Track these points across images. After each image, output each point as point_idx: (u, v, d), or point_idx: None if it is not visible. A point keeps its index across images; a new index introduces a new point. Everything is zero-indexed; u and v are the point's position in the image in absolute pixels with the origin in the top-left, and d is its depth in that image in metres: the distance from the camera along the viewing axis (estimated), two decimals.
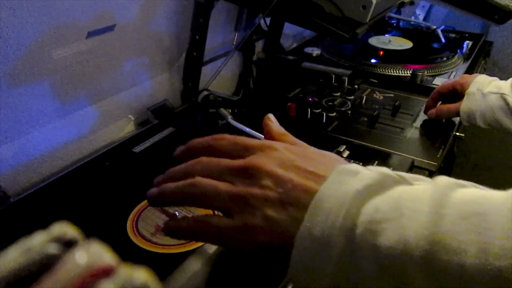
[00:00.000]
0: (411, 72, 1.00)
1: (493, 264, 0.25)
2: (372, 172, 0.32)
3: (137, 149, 0.71)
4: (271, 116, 0.43)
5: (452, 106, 0.76)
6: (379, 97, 0.94)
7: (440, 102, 0.81)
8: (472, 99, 0.72)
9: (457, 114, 0.75)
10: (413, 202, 0.29)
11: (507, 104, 0.68)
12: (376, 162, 0.67)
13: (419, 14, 1.62)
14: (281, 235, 0.31)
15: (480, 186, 0.32)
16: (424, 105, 0.89)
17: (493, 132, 0.73)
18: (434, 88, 0.95)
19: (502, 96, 0.69)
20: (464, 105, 0.73)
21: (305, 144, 0.39)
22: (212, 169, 0.36)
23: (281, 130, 0.41)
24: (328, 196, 0.31)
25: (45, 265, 0.20)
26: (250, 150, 0.36)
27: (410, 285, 0.27)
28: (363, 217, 0.29)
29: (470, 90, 0.73)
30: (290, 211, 0.31)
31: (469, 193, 0.30)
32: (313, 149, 0.38)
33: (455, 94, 0.76)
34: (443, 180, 0.32)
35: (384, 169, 0.33)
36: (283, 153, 0.35)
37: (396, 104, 0.85)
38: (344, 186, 0.31)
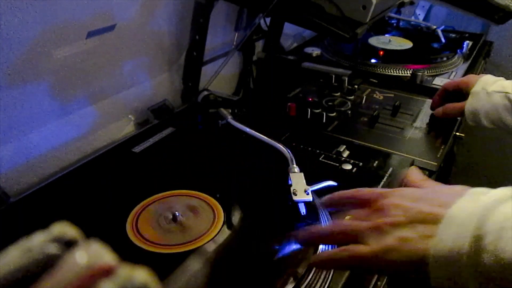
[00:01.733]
0: (411, 72, 1.00)
1: None
2: (502, 189, 0.36)
3: (137, 149, 0.71)
4: (415, 168, 0.49)
5: (457, 105, 0.76)
6: (379, 97, 0.94)
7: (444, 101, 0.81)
8: (477, 98, 0.72)
9: (462, 113, 0.75)
10: None
11: (511, 103, 0.68)
12: (376, 162, 0.67)
13: (419, 14, 1.62)
14: (412, 251, 0.35)
15: None
16: (425, 105, 0.89)
17: (493, 132, 0.73)
18: (434, 88, 0.95)
19: (507, 95, 0.69)
20: (469, 104, 0.73)
21: (438, 183, 0.44)
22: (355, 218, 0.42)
23: (420, 176, 0.47)
24: (460, 211, 0.35)
25: (45, 265, 0.20)
26: (385, 196, 0.42)
27: None
28: (492, 225, 0.32)
29: (475, 89, 0.73)
30: (419, 229, 0.36)
31: None
32: (443, 186, 0.42)
33: (461, 93, 0.76)
34: None
35: None
36: (412, 191, 0.41)
37: (396, 104, 0.85)
38: (475, 203, 0.35)
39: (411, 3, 1.26)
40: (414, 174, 0.47)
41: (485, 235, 0.32)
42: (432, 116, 0.82)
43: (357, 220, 0.41)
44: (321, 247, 0.48)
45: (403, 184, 0.46)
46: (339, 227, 0.42)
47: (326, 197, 0.48)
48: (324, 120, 0.82)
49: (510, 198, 0.34)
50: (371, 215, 0.40)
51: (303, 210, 0.55)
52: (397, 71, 1.03)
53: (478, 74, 0.77)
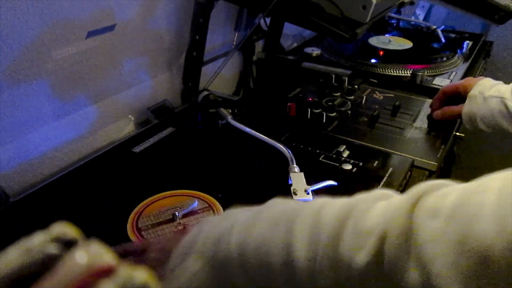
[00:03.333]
0: (411, 72, 1.00)
1: None
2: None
3: (137, 149, 0.71)
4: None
5: (455, 108, 0.76)
6: (379, 97, 0.94)
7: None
8: (474, 102, 0.72)
9: (460, 116, 0.75)
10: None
11: (507, 108, 0.68)
12: (376, 162, 0.67)
13: (419, 14, 1.62)
14: None
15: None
16: (425, 105, 0.89)
17: (493, 132, 0.73)
18: (434, 88, 0.95)
19: (502, 101, 0.69)
20: (466, 108, 0.73)
21: None
22: None
23: None
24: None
25: (45, 265, 0.20)
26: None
27: None
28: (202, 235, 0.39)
29: (472, 93, 0.73)
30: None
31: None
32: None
33: (459, 95, 0.76)
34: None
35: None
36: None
37: (396, 104, 0.85)
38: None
39: (411, 3, 1.26)
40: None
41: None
42: (429, 118, 0.82)
43: None
44: None
45: None
46: None
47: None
48: (324, 120, 0.82)
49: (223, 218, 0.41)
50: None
51: None
52: (397, 71, 1.02)
53: (478, 74, 0.77)
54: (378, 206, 0.33)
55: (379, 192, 0.35)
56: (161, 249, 0.41)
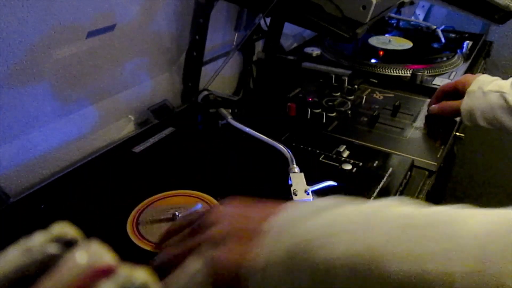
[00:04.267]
0: (411, 72, 1.00)
1: None
2: (318, 200, 0.38)
3: (137, 149, 0.71)
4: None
5: (453, 103, 0.76)
6: (379, 97, 0.94)
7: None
8: (473, 98, 0.72)
9: (458, 111, 0.75)
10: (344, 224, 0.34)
11: (507, 102, 0.68)
12: (376, 162, 0.67)
13: (419, 14, 1.62)
14: (227, 267, 0.36)
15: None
16: (425, 105, 0.89)
17: (493, 132, 0.73)
18: (434, 88, 0.95)
19: (502, 95, 0.69)
20: (465, 103, 0.73)
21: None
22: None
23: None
24: (274, 224, 0.36)
25: (45, 265, 0.20)
26: (206, 213, 0.42)
27: None
28: (297, 240, 0.33)
29: (471, 88, 0.73)
30: (235, 246, 0.36)
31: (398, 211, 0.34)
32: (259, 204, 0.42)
33: (458, 93, 0.76)
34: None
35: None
36: (230, 209, 0.42)
37: (396, 104, 0.85)
38: (292, 213, 0.36)
39: (411, 3, 1.26)
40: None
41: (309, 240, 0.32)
42: (427, 117, 0.82)
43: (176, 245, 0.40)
44: None
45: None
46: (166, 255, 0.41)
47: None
48: (324, 120, 0.82)
49: (324, 208, 0.35)
50: (190, 237, 0.40)
51: None
52: (397, 71, 1.02)
53: (477, 74, 0.77)
54: None
55: None
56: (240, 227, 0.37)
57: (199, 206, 0.56)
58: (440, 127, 0.80)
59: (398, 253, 0.29)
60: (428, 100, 0.91)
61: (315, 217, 0.34)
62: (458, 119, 0.81)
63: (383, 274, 0.29)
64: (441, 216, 0.32)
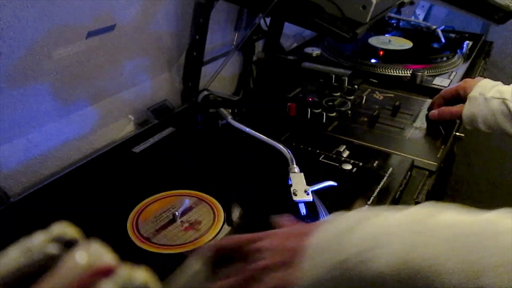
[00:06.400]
0: (411, 72, 1.00)
1: None
2: (357, 211, 0.38)
3: (137, 149, 0.71)
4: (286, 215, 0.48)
5: (454, 109, 0.76)
6: (379, 97, 0.94)
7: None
8: (474, 104, 0.72)
9: (459, 117, 0.74)
10: (389, 235, 0.34)
11: (509, 109, 0.68)
12: (376, 162, 0.67)
13: (419, 14, 1.62)
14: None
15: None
16: (425, 105, 0.89)
17: (493, 133, 0.73)
18: (434, 88, 0.95)
19: (504, 102, 0.69)
20: (466, 109, 0.73)
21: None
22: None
23: (290, 221, 0.47)
24: (315, 245, 0.36)
25: (45, 265, 0.20)
26: (256, 239, 0.42)
27: None
28: (347, 255, 0.33)
29: (473, 94, 0.73)
30: (289, 270, 0.36)
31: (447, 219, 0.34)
32: (305, 224, 0.44)
33: (458, 98, 0.76)
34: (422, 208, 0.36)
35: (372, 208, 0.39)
36: (282, 232, 0.42)
37: (396, 104, 0.85)
38: (329, 230, 0.37)
39: (411, 3, 1.25)
40: (283, 219, 0.46)
41: (349, 256, 0.33)
42: (427, 119, 0.82)
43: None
44: None
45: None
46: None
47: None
48: (324, 120, 0.82)
49: (364, 219, 0.35)
50: (241, 268, 0.39)
51: (303, 210, 0.55)
52: (397, 71, 1.02)
53: (478, 75, 0.77)
54: None
55: None
56: (281, 248, 0.37)
57: (187, 202, 0.56)
58: (441, 126, 0.80)
59: (449, 266, 0.29)
60: (428, 100, 0.91)
61: (356, 231, 0.34)
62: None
63: (431, 285, 0.29)
64: (485, 225, 0.31)
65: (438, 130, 0.79)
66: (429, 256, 0.30)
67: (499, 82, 0.73)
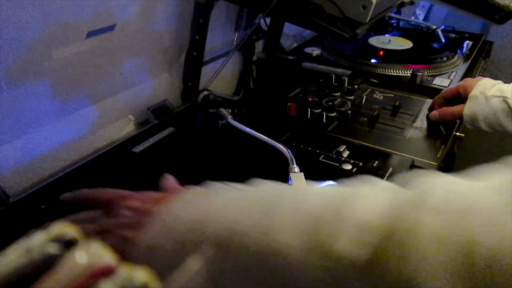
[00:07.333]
0: (411, 72, 1.00)
1: None
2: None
3: (137, 149, 0.71)
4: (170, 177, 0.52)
5: (455, 109, 0.76)
6: (379, 97, 0.94)
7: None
8: (475, 103, 0.72)
9: (460, 117, 0.74)
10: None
11: (510, 107, 0.68)
12: (376, 162, 0.67)
13: (419, 14, 1.62)
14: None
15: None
16: (426, 105, 0.89)
17: (494, 132, 0.73)
18: (434, 88, 0.95)
19: (505, 100, 0.69)
20: (467, 108, 0.73)
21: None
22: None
23: (174, 184, 0.51)
24: (168, 212, 0.40)
25: (45, 265, 0.20)
26: (126, 197, 0.44)
27: None
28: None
29: (473, 93, 0.72)
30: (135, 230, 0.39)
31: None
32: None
33: (459, 97, 0.76)
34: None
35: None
36: (151, 195, 0.45)
37: (396, 104, 0.85)
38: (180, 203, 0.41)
39: (411, 3, 1.25)
40: (167, 181, 0.50)
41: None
42: (427, 118, 0.82)
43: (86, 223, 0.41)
44: None
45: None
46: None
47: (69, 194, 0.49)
48: (324, 120, 0.82)
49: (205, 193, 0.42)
50: (101, 218, 0.42)
51: None
52: (397, 71, 1.03)
53: (478, 75, 0.77)
54: (380, 198, 0.32)
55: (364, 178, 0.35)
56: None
57: None
58: (441, 126, 0.80)
59: (251, 227, 0.34)
60: (428, 100, 0.91)
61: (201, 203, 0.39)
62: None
63: (243, 246, 0.33)
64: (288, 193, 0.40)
65: (438, 130, 0.79)
66: (243, 221, 0.34)
67: (499, 81, 0.73)
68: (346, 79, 0.96)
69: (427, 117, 0.82)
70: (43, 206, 0.58)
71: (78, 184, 0.63)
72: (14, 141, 0.63)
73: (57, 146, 0.69)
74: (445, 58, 1.08)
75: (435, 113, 0.79)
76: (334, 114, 0.85)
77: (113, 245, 0.36)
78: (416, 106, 0.89)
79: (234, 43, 1.04)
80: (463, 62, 1.11)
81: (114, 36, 0.70)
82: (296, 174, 0.60)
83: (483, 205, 0.28)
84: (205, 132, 0.80)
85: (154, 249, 0.36)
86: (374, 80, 1.01)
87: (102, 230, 0.39)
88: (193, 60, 0.89)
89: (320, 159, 0.68)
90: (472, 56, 1.16)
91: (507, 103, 0.68)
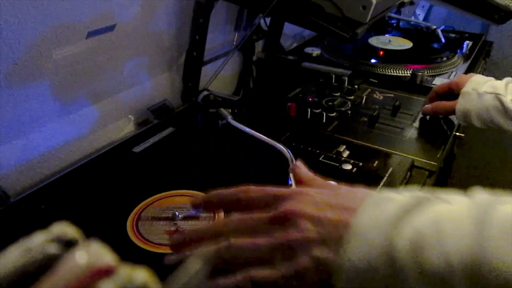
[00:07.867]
0: (411, 72, 1.00)
1: None
2: (406, 196, 0.33)
3: (137, 149, 0.71)
4: (299, 163, 0.44)
5: (447, 104, 0.76)
6: (379, 97, 0.94)
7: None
8: (468, 99, 0.72)
9: (453, 112, 0.75)
10: (453, 223, 0.30)
11: (502, 104, 0.68)
12: (376, 162, 0.67)
13: (419, 14, 1.62)
14: (327, 271, 0.32)
15: None
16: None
17: (493, 132, 0.73)
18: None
19: (497, 96, 0.69)
20: (460, 104, 0.73)
21: (334, 184, 0.41)
22: (246, 227, 0.36)
23: (310, 175, 0.42)
24: (364, 226, 0.32)
25: (45, 265, 0.20)
26: (281, 199, 0.37)
27: None
28: (403, 242, 0.30)
29: (465, 89, 0.73)
30: (332, 247, 0.32)
31: (510, 211, 0.30)
32: (343, 187, 0.39)
33: (451, 93, 0.76)
34: (481, 197, 0.32)
35: (418, 192, 0.34)
36: (314, 196, 0.36)
37: (396, 104, 0.85)
38: (378, 212, 0.32)
39: (411, 3, 1.26)
40: (304, 171, 0.42)
41: (397, 252, 0.30)
42: (421, 119, 0.82)
43: (252, 233, 0.35)
44: None
45: (293, 179, 0.43)
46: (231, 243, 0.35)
47: (196, 201, 0.41)
48: (324, 120, 0.82)
49: (417, 208, 0.32)
50: (270, 226, 0.35)
51: None
52: (397, 71, 1.03)
53: (470, 74, 0.77)
54: None
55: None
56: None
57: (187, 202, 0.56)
58: (432, 129, 0.80)
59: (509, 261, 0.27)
60: None
61: (413, 214, 0.31)
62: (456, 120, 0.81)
63: (494, 278, 0.27)
64: None
65: (431, 131, 0.79)
66: (496, 255, 0.27)
67: (491, 78, 0.74)
68: (346, 79, 0.96)
69: (421, 119, 0.82)
70: (43, 206, 0.58)
71: (78, 184, 0.63)
72: (14, 141, 0.63)
73: (57, 146, 0.69)
74: (445, 58, 1.08)
75: (428, 107, 0.80)
76: (334, 114, 0.85)
77: (304, 268, 0.32)
78: (416, 106, 0.89)
79: (234, 43, 1.04)
80: (463, 62, 1.11)
81: (114, 36, 0.70)
82: None
83: None
84: (205, 132, 0.80)
85: (365, 272, 0.31)
86: (374, 80, 1.01)
87: (282, 245, 0.33)
88: (193, 60, 0.89)
89: (320, 159, 0.68)
90: (472, 56, 1.16)
91: (500, 100, 0.69)
